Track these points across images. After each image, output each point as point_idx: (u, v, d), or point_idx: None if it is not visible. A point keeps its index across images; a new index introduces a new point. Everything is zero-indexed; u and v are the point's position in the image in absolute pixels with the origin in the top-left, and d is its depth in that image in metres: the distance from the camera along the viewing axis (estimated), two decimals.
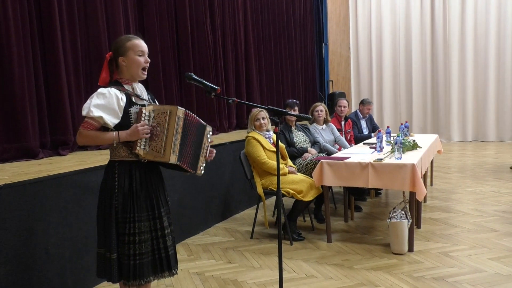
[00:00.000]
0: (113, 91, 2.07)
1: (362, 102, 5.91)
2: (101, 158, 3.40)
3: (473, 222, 4.24)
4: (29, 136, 3.32)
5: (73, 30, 3.76)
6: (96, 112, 2.01)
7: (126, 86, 2.15)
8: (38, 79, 3.46)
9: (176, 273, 2.25)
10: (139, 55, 2.14)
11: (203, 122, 2.25)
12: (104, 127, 2.09)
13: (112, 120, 2.05)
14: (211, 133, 2.31)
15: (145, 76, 2.20)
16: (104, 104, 2.03)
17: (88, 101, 2.06)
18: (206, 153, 2.30)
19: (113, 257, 2.08)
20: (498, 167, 7.17)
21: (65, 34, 3.66)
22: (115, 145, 2.09)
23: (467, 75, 10.77)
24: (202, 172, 2.30)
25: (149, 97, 2.27)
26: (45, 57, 3.56)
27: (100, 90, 2.08)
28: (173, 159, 2.06)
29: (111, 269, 2.09)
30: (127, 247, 2.09)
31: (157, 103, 2.33)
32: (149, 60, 2.19)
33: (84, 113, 2.04)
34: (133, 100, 2.13)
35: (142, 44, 2.17)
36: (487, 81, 10.59)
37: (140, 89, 2.22)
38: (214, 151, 2.38)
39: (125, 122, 2.08)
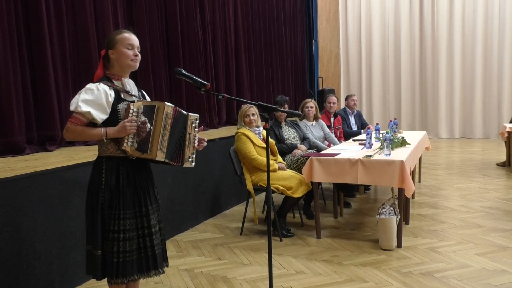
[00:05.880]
0: (101, 87, 2.04)
1: (346, 98, 6.19)
2: (89, 154, 3.36)
3: (460, 218, 4.30)
4: (16, 132, 3.25)
5: (60, 24, 3.70)
6: (84, 108, 1.99)
7: (115, 82, 2.13)
8: (24, 73, 3.39)
9: (163, 272, 2.22)
10: (128, 48, 2.12)
11: (185, 112, 2.17)
12: (92, 123, 2.06)
13: (100, 116, 2.03)
14: (197, 121, 2.23)
15: (137, 65, 2.16)
16: (92, 100, 2.01)
17: (76, 96, 2.03)
18: (194, 142, 2.23)
19: (97, 254, 2.06)
20: (485, 164, 7.26)
21: (52, 28, 3.60)
22: (105, 141, 2.06)
23: (454, 73, 10.89)
24: (193, 164, 2.22)
25: (139, 93, 2.25)
26: (31, 51, 3.48)
27: (89, 85, 2.05)
28: (160, 156, 2.03)
29: (95, 266, 2.07)
30: (111, 244, 2.06)
31: (148, 99, 2.30)
32: (138, 53, 2.16)
33: (72, 108, 2.02)
34: (122, 96, 2.11)
35: (131, 38, 2.15)
36: (474, 80, 10.72)
37: (130, 85, 2.19)
38: (205, 139, 2.32)
39: (114, 118, 2.06)
